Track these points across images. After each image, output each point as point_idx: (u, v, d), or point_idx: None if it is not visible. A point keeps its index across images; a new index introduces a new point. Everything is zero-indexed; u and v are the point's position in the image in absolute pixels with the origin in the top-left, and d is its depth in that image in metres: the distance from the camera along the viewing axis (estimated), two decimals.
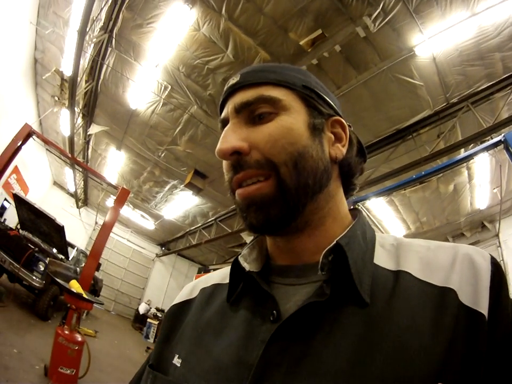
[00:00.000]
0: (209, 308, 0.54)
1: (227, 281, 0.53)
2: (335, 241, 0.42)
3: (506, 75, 4.39)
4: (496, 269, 0.40)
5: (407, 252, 0.45)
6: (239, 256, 0.50)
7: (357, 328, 0.38)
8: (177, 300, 0.62)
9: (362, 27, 4.13)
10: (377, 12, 3.90)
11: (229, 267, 0.58)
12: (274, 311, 0.43)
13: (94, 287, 9.25)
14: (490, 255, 0.42)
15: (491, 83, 4.53)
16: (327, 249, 0.42)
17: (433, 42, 4.18)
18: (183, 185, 8.69)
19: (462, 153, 4.76)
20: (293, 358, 0.38)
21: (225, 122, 0.51)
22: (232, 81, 0.51)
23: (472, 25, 3.92)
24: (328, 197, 0.49)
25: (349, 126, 0.53)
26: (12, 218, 8.42)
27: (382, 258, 0.45)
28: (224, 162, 0.49)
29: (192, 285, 0.64)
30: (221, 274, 0.60)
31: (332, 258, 0.42)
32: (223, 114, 0.51)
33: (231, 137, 0.46)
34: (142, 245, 15.95)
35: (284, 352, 0.39)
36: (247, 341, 0.43)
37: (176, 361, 0.49)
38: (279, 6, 4.31)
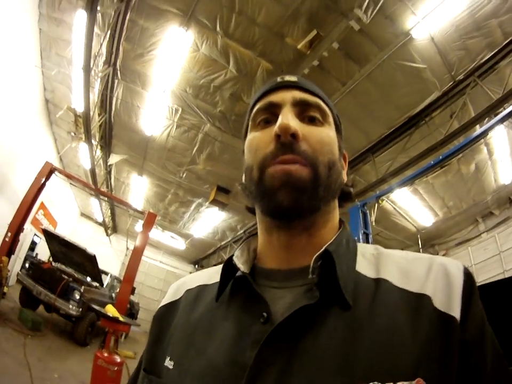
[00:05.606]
0: (197, 309, 0.55)
1: (213, 281, 0.57)
2: (323, 248, 0.47)
3: (507, 41, 4.24)
4: (468, 278, 0.44)
5: (387, 262, 0.50)
6: (234, 257, 0.52)
7: (342, 329, 0.41)
8: (164, 302, 0.63)
9: (355, 20, 4.10)
10: (367, 1, 3.88)
11: (213, 268, 0.63)
12: (264, 313, 0.45)
13: (131, 311, 9.42)
14: (463, 265, 0.46)
15: (493, 52, 4.39)
16: (317, 254, 0.46)
17: (428, 22, 4.13)
18: (208, 202, 8.76)
19: (478, 129, 4.62)
20: (284, 358, 0.41)
21: (272, 105, 0.54)
22: (290, 78, 0.55)
23: None
24: (333, 206, 0.55)
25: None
26: (43, 252, 8.75)
27: (363, 266, 0.49)
28: (262, 135, 0.52)
29: (176, 286, 0.65)
30: (205, 275, 0.62)
31: (321, 263, 0.46)
32: (275, 98, 0.54)
33: (293, 122, 0.49)
34: (175, 265, 16.24)
35: (277, 352, 0.41)
36: (238, 341, 0.45)
37: (168, 363, 0.49)
38: (271, 14, 4.39)
